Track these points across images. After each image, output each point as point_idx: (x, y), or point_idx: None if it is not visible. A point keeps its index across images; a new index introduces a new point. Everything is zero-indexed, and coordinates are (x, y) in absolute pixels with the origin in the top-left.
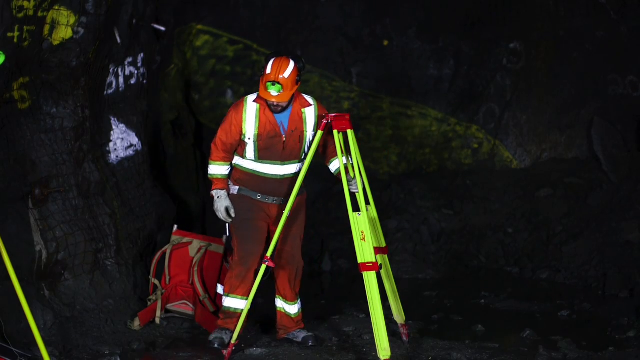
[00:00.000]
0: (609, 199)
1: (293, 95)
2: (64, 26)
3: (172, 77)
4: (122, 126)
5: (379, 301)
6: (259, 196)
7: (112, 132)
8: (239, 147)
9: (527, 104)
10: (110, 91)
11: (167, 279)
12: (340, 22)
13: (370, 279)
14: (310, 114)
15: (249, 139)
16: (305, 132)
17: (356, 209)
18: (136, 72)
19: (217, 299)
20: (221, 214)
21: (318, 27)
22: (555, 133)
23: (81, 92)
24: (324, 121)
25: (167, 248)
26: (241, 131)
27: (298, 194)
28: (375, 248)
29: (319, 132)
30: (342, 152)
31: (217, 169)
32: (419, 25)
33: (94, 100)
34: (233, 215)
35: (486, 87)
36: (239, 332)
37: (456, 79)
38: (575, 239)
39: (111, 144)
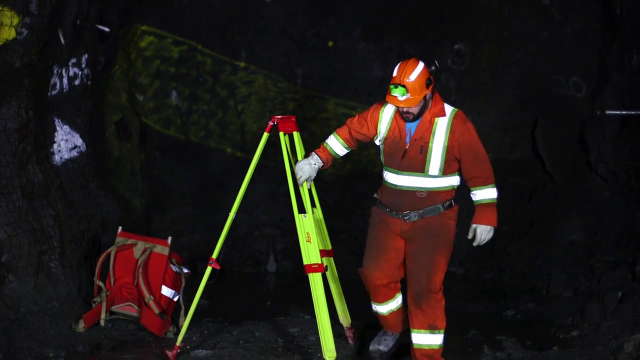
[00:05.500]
0: (553, 199)
1: (424, 101)
2: (7, 27)
3: (116, 78)
4: (66, 127)
5: (325, 303)
6: (387, 209)
7: (56, 134)
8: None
9: (472, 105)
10: (54, 92)
11: (112, 281)
12: (285, 23)
13: (315, 281)
14: (442, 125)
15: (379, 140)
16: (430, 144)
17: (302, 210)
18: (80, 73)
19: (162, 301)
20: (301, 172)
21: (263, 27)
22: (499, 134)
23: (25, 93)
24: (270, 123)
25: (112, 250)
26: (376, 129)
27: (434, 213)
28: (321, 251)
29: (265, 135)
30: (288, 154)
31: (332, 141)
32: (364, 27)
33: (37, 101)
34: (307, 186)
35: None
36: (184, 334)
37: None
38: (520, 239)
39: (55, 146)
